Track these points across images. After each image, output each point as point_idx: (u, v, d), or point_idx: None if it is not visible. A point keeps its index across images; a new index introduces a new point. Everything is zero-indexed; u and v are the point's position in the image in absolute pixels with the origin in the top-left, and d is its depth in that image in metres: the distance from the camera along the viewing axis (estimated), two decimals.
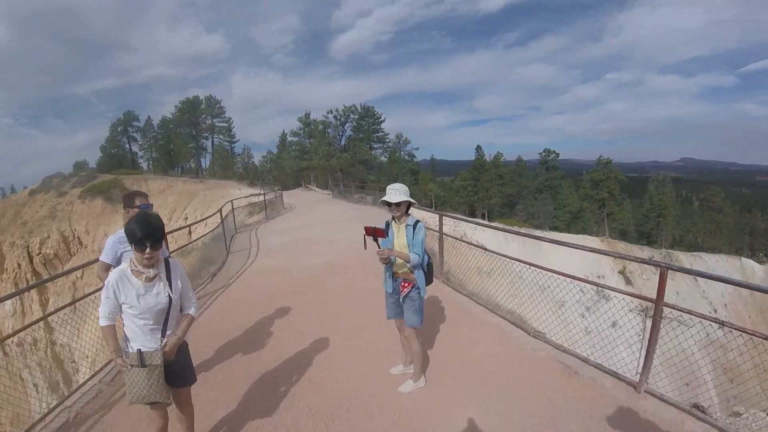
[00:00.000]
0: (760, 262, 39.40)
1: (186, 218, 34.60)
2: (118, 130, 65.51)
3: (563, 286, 4.84)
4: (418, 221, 3.93)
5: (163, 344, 2.88)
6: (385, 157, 57.98)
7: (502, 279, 6.33)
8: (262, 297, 7.54)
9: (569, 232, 39.79)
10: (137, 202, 3.93)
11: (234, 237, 14.49)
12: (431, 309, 6.25)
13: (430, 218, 14.16)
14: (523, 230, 30.27)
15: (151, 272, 2.79)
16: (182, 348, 3.10)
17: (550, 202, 54.10)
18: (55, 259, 33.64)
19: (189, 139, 62.38)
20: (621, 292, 4.53)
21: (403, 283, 4.03)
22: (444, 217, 7.69)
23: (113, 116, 65.78)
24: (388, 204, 3.83)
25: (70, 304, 5.59)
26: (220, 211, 12.21)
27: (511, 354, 4.97)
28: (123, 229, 3.97)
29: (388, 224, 4.05)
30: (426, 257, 4.01)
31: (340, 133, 54.69)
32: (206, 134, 64.74)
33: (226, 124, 65.27)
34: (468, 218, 6.89)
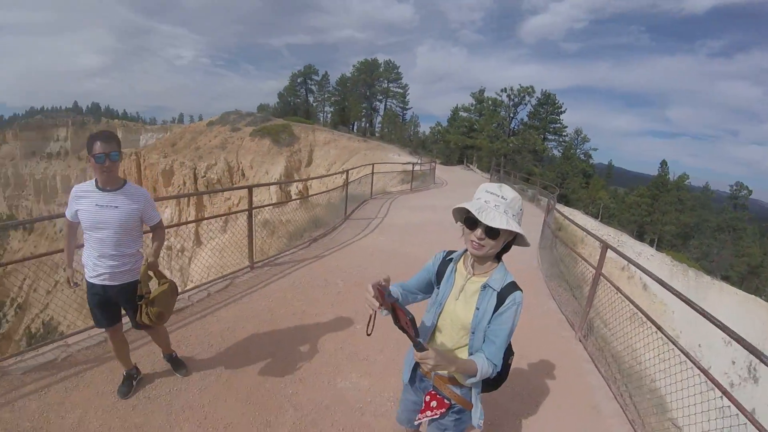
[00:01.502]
0: None
1: (346, 171, 35.14)
2: (298, 81, 69.07)
3: (718, 352, 2.99)
4: (514, 285, 1.79)
5: None
6: (559, 151, 52.61)
7: (656, 340, 4.05)
8: (345, 284, 6.16)
9: (741, 288, 31.92)
10: (96, 149, 2.64)
11: (365, 202, 13.49)
12: (537, 387, 4.18)
13: (592, 245, 10.95)
14: (691, 271, 24.92)
15: None
16: None
17: (730, 245, 44.42)
18: (217, 184, 36.73)
19: (362, 99, 63.89)
20: None
21: (430, 397, 1.93)
22: (595, 245, 5.46)
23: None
24: (470, 223, 1.73)
25: (207, 219, 6.60)
26: (346, 171, 11.13)
27: None
28: (91, 181, 2.76)
29: (441, 274, 1.98)
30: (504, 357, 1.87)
31: (511, 115, 51.20)
32: (380, 97, 65.76)
33: (402, 90, 65.55)
34: (636, 263, 4.45)
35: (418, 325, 1.62)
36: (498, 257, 1.85)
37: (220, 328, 4.49)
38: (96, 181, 2.79)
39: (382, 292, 1.58)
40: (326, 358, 4.06)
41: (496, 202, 1.68)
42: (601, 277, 5.08)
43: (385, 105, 66.30)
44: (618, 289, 4.73)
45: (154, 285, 3.02)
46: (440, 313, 1.93)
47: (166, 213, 34.71)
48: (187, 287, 5.39)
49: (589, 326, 5.28)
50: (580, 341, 5.13)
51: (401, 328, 1.59)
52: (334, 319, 4.94)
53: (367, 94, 64.49)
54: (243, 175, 37.76)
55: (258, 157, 38.14)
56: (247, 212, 6.24)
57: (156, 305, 2.89)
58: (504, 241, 1.75)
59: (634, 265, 4.56)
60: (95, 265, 2.85)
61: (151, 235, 3.14)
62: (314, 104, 70.76)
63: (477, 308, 1.80)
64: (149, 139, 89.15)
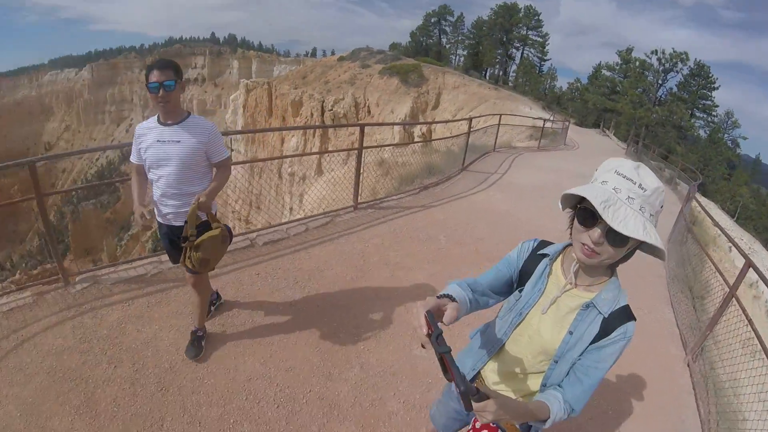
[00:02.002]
0: None
1: (469, 119, 34.08)
2: (432, 21, 66.59)
3: None
4: (627, 311, 1.24)
5: None
6: (705, 132, 45.44)
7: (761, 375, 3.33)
8: (448, 241, 5.72)
9: None
10: (151, 78, 2.35)
11: (487, 154, 12.74)
12: (623, 411, 3.48)
13: (722, 247, 9.01)
14: None
15: None
16: None
17: None
18: (343, 118, 37.22)
19: (498, 44, 60.55)
20: None
21: (482, 425, 1.43)
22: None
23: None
24: (586, 217, 1.14)
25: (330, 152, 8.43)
26: (470, 120, 10.43)
27: None
28: (153, 117, 2.50)
29: (528, 273, 1.40)
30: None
31: (660, 82, 45.45)
32: (517, 44, 61.84)
33: (541, 40, 61.03)
34: None
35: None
36: (612, 267, 1.28)
37: (310, 266, 4.36)
38: (158, 116, 2.55)
39: (430, 327, 1.01)
40: (408, 319, 3.73)
41: (630, 192, 1.09)
42: (734, 299, 4.01)
43: (522, 54, 62.23)
44: (750, 321, 3.65)
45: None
46: (518, 324, 1.40)
47: (293, 141, 36.39)
48: (297, 216, 5.42)
49: (701, 349, 4.27)
50: (689, 366, 4.15)
51: (449, 379, 1.00)
52: (427, 277, 4.57)
53: (504, 40, 60.82)
54: (369, 111, 37.99)
55: (385, 96, 38.02)
56: (357, 151, 5.98)
57: (200, 251, 2.55)
58: (628, 248, 1.16)
59: None
60: (160, 204, 2.67)
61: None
62: (447, 46, 68.25)
63: (570, 332, 1.27)
64: (282, 70, 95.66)
